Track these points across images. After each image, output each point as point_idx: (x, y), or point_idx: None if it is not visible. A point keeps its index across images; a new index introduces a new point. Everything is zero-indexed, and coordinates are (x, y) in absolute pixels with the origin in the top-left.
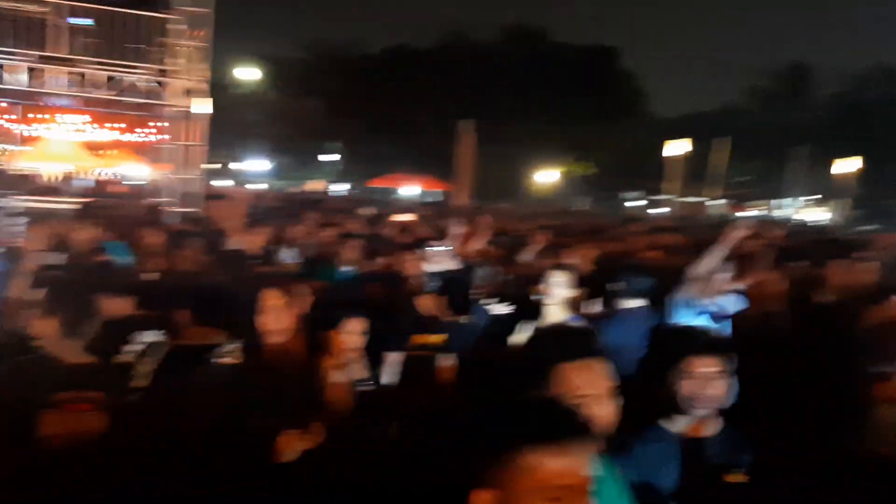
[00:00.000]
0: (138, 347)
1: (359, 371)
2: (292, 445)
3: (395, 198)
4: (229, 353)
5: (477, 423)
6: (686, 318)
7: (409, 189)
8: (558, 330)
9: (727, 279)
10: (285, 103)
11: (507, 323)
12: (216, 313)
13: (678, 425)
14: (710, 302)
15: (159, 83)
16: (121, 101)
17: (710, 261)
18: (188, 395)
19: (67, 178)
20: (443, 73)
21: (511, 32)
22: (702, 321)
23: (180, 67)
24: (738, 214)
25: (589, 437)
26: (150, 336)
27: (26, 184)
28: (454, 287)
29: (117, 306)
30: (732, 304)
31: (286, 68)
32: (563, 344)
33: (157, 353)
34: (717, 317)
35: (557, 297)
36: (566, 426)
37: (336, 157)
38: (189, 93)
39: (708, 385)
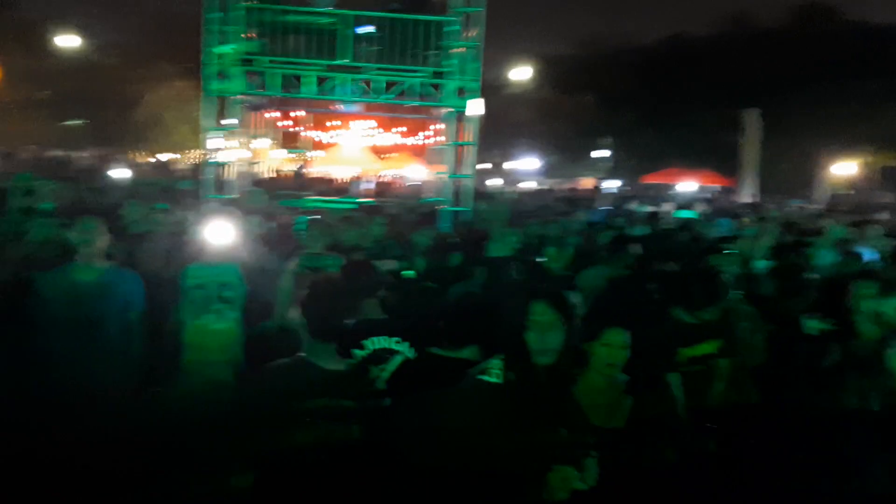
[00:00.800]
0: (367, 353)
1: (624, 389)
2: (565, 483)
3: (671, 194)
4: (490, 371)
5: None
6: None
7: (686, 185)
8: None
9: None
10: (557, 100)
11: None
12: (473, 324)
13: None
14: None
15: (435, 86)
16: (400, 104)
17: None
18: (445, 413)
19: (354, 180)
20: (724, 62)
21: (799, 12)
22: None
23: (454, 69)
24: None
25: None
26: (382, 342)
27: (319, 186)
28: None
29: (370, 309)
30: None
31: (557, 65)
32: None
33: (389, 363)
34: None
35: (866, 311)
36: None
37: (608, 153)
38: (462, 93)
39: None
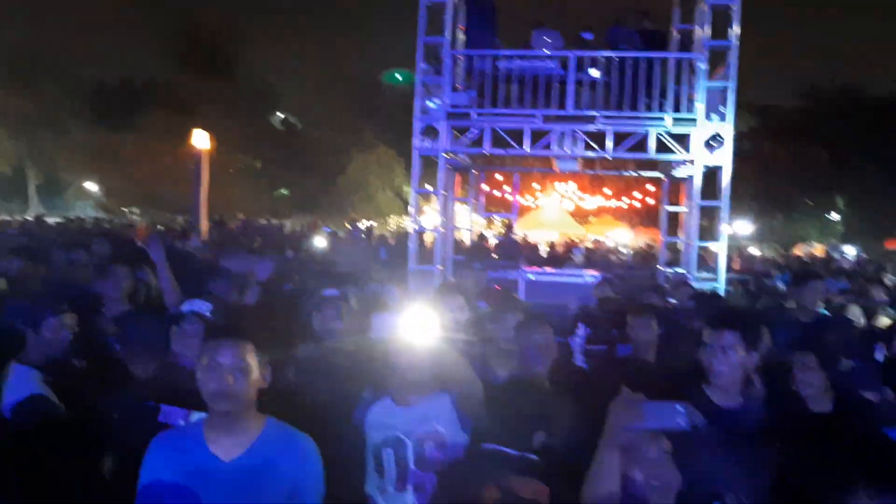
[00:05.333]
0: None
1: None
2: None
3: None
4: None
5: None
6: None
7: None
8: None
9: None
10: (777, 155)
11: None
12: None
13: None
14: None
15: (675, 136)
16: (628, 159)
17: None
18: None
19: (573, 246)
20: None
21: None
22: None
23: (697, 116)
24: None
25: None
26: None
27: (529, 254)
28: None
29: None
30: None
31: (777, 116)
32: None
33: None
34: None
35: None
36: None
37: (837, 216)
38: (711, 144)
39: None
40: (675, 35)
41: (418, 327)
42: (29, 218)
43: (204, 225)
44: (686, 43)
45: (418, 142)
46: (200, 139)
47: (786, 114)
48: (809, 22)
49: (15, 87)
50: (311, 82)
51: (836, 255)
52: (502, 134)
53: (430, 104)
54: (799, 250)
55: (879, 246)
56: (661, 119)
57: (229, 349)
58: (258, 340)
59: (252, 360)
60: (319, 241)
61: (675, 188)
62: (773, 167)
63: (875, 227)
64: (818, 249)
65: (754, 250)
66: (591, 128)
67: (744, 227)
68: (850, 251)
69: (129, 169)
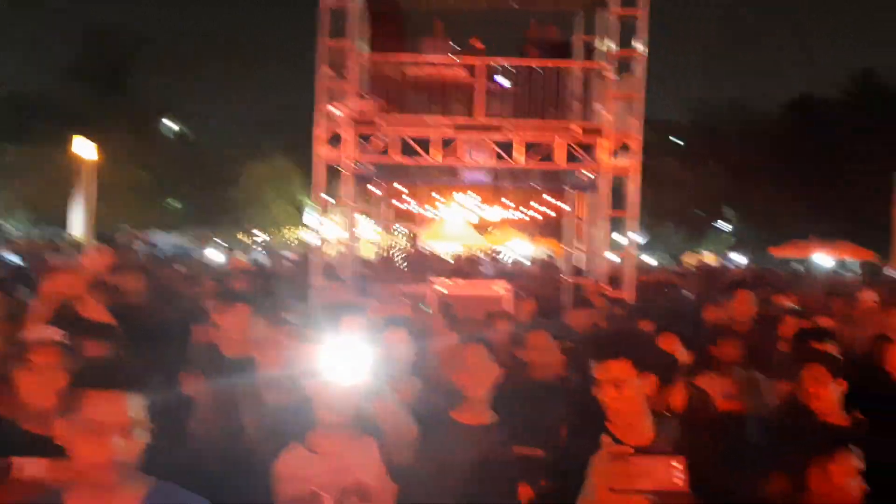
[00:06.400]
0: None
1: None
2: None
3: (808, 270)
4: None
5: None
6: None
7: (822, 258)
8: None
9: None
10: (672, 169)
11: None
12: None
13: None
14: None
15: (582, 146)
16: (532, 170)
17: None
18: None
19: (473, 258)
20: (862, 123)
21: None
22: None
23: (605, 125)
24: None
25: None
26: None
27: (438, 266)
28: None
29: None
30: None
31: (673, 131)
32: None
33: None
34: None
35: None
36: None
37: (729, 226)
38: (616, 155)
39: None
40: (580, 44)
41: (337, 359)
42: None
43: (89, 240)
44: (589, 52)
45: (322, 150)
46: (83, 148)
47: (676, 127)
48: (694, 37)
49: None
50: (206, 91)
51: (728, 264)
52: (411, 143)
53: (334, 111)
54: (690, 259)
55: (767, 254)
56: (569, 128)
57: (105, 404)
58: (144, 382)
59: (136, 414)
60: (213, 255)
61: (578, 199)
62: (664, 178)
63: (764, 236)
64: (708, 258)
65: (648, 260)
66: (499, 137)
67: (640, 236)
68: (740, 259)
69: (14, 183)
